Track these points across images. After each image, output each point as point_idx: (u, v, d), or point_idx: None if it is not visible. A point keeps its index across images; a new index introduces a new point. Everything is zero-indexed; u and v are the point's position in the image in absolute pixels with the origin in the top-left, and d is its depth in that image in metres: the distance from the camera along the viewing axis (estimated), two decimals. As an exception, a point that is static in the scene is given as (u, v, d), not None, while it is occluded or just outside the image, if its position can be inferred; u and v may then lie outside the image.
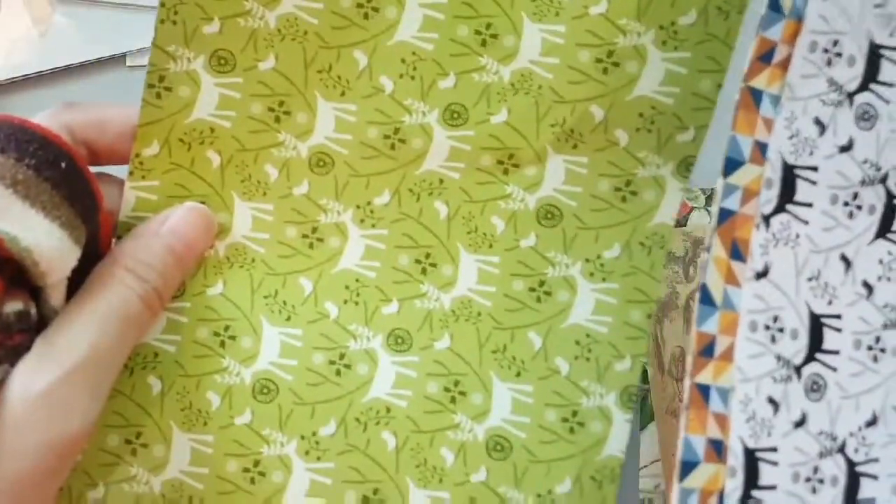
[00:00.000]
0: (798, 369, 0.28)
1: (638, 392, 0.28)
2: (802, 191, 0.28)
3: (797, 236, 0.28)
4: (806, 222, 0.28)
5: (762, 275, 0.27)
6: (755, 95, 0.27)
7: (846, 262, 0.28)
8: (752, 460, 0.27)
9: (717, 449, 0.27)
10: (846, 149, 0.28)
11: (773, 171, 0.27)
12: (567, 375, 0.29)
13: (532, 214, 0.29)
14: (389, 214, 0.30)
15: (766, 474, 0.27)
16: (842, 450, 0.28)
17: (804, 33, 0.27)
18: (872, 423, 0.29)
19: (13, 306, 0.24)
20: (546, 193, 0.29)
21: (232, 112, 0.29)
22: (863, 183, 0.28)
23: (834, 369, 0.28)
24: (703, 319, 0.27)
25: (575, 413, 0.29)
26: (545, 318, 0.29)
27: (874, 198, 0.29)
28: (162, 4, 0.28)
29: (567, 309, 0.30)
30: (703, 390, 0.27)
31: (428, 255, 0.30)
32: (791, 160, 0.27)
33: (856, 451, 0.28)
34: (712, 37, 0.28)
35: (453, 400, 0.29)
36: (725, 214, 0.27)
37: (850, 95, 0.28)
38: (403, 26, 0.29)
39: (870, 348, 0.29)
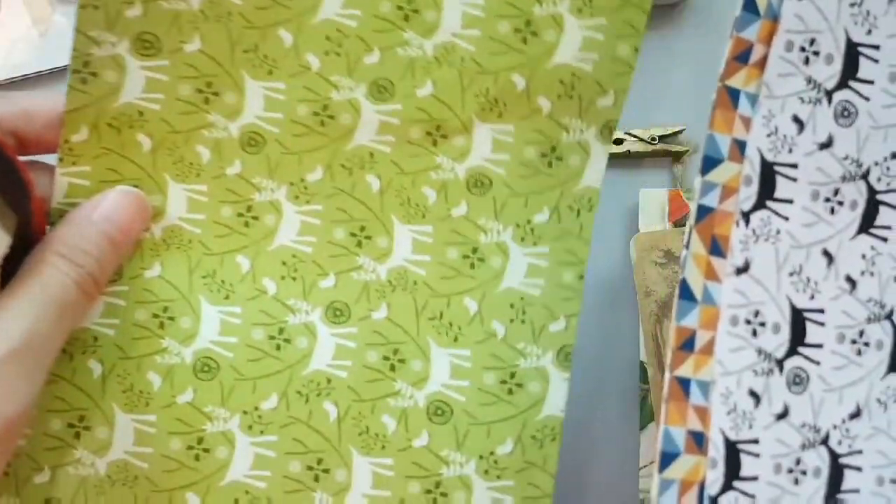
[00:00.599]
0: (780, 362, 0.28)
1: (571, 352, 0.29)
2: (782, 187, 0.28)
3: (777, 232, 0.28)
4: (786, 218, 0.28)
5: (742, 270, 0.28)
6: (732, 94, 0.28)
7: (828, 257, 0.29)
8: (733, 452, 0.28)
9: (698, 441, 0.27)
10: (826, 146, 0.29)
11: (751, 169, 0.28)
12: (503, 338, 0.30)
13: (462, 183, 0.30)
14: (323, 190, 0.30)
15: (748, 465, 0.28)
16: (825, 442, 0.29)
17: (780, 33, 0.28)
18: (856, 415, 0.29)
19: None
20: (475, 163, 0.30)
21: (160, 95, 0.29)
22: (844, 179, 0.29)
23: (817, 363, 0.29)
24: (682, 314, 0.27)
25: (513, 375, 0.30)
26: (479, 284, 0.30)
27: (856, 193, 0.29)
28: None
29: (500, 274, 0.30)
30: (684, 383, 0.27)
31: (363, 228, 0.30)
32: (770, 157, 0.28)
33: (839, 443, 0.29)
34: (628, 2, 0.29)
35: (393, 368, 0.30)
36: (704, 211, 0.28)
37: (829, 93, 0.28)
38: (326, 4, 0.29)
39: (853, 342, 0.29)
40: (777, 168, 0.28)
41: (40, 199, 0.28)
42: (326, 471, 0.30)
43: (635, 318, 0.38)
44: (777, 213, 0.28)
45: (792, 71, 0.28)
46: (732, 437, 0.27)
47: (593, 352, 0.39)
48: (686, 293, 0.27)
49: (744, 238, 0.28)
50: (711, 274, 0.27)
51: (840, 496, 0.28)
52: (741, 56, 0.28)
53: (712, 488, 0.27)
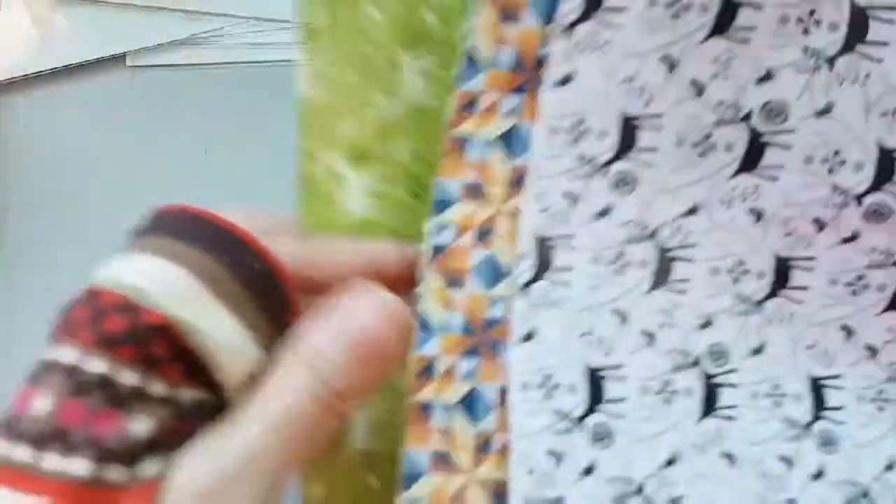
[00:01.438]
0: (580, 421, 0.30)
1: None
2: (560, 257, 0.31)
3: (561, 298, 0.31)
4: (568, 284, 0.31)
5: (528, 338, 0.30)
6: (461, 143, 0.30)
7: (620, 315, 0.31)
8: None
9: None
10: (604, 213, 0.31)
11: (525, 246, 0.30)
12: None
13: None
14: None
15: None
16: (640, 492, 0.30)
17: (541, 120, 0.30)
18: (672, 462, 0.31)
19: (191, 394, 0.25)
20: None
21: None
22: (628, 241, 0.31)
23: (621, 416, 0.31)
24: (422, 343, 0.30)
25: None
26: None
27: (644, 253, 0.31)
28: None
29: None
30: (425, 408, 0.30)
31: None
32: (545, 232, 0.30)
33: (658, 490, 0.31)
34: None
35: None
36: (439, 249, 0.31)
37: (605, 166, 0.31)
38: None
39: (658, 392, 0.31)
40: (552, 241, 0.30)
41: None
42: None
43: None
44: (558, 282, 0.30)
45: (559, 152, 0.30)
46: (535, 496, 0.30)
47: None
48: (424, 325, 0.30)
49: (525, 309, 0.30)
50: (451, 304, 0.30)
51: None
52: (468, 105, 0.30)
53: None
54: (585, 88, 0.30)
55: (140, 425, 0.24)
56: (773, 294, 0.32)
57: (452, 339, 0.30)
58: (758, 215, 0.31)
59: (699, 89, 0.31)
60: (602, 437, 0.30)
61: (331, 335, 0.26)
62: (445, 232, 0.30)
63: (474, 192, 0.30)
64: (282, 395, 0.25)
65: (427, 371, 0.30)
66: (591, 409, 0.30)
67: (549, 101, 0.30)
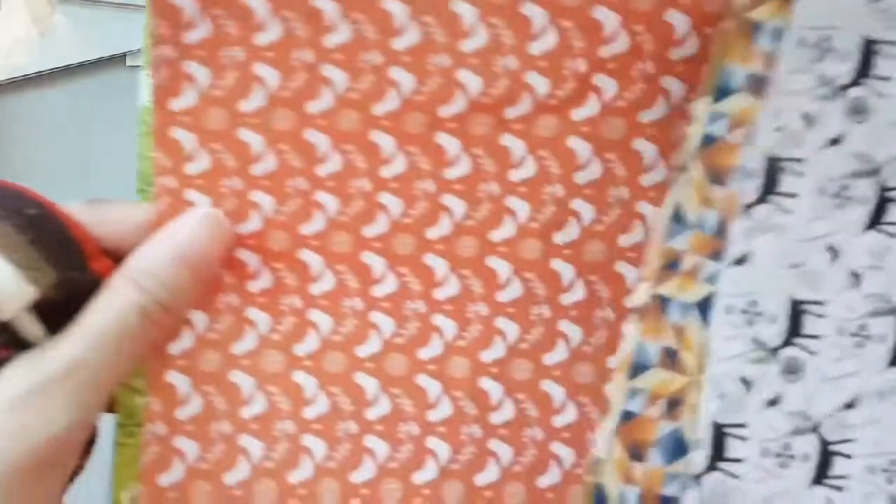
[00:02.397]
0: (775, 351, 0.29)
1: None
2: (787, 182, 0.29)
3: (781, 225, 0.29)
4: (791, 212, 0.29)
5: (742, 261, 0.29)
6: (753, 26, 0.28)
7: (833, 251, 0.29)
8: (720, 434, 0.29)
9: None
10: (836, 142, 0.29)
11: (756, 162, 0.29)
12: None
13: None
14: None
15: (734, 448, 0.29)
16: (816, 429, 0.30)
17: (792, 28, 0.28)
18: (851, 405, 0.30)
19: None
20: None
21: None
22: (854, 175, 0.29)
23: (813, 353, 0.30)
24: (672, 236, 0.29)
25: None
26: None
27: (866, 189, 0.29)
28: None
29: None
30: (664, 301, 0.29)
31: None
32: (776, 152, 0.29)
33: (831, 430, 0.30)
34: None
35: None
36: (709, 139, 0.29)
37: (842, 89, 0.29)
38: None
39: (854, 335, 0.30)
40: (782, 163, 0.29)
41: (104, 261, 0.28)
42: None
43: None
44: (781, 207, 0.29)
45: (804, 67, 0.28)
46: (720, 420, 0.29)
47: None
48: (679, 216, 0.29)
49: (745, 229, 0.29)
50: (708, 201, 0.29)
51: (827, 481, 0.30)
52: (671, 265, 0.29)
53: (696, 468, 0.29)
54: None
55: None
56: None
57: (703, 238, 0.29)
58: None
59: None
60: (793, 370, 0.29)
61: (155, 251, 0.28)
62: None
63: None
64: (105, 312, 0.27)
65: (673, 264, 0.29)
66: (786, 342, 0.29)
67: (801, 8, 0.28)
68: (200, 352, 0.30)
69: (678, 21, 0.30)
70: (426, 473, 0.31)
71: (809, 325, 0.30)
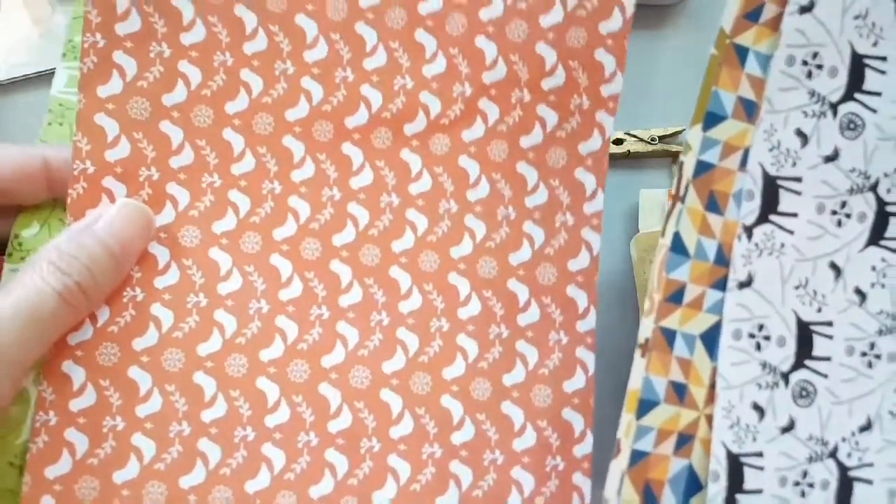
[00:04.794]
0: (785, 376, 0.28)
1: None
2: (786, 201, 0.28)
3: (782, 245, 0.28)
4: (791, 232, 0.28)
5: (746, 284, 0.28)
6: (740, 52, 0.28)
7: (836, 269, 0.29)
8: (736, 465, 0.28)
9: (679, 392, 0.28)
10: (831, 158, 0.29)
11: (753, 183, 0.28)
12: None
13: None
14: None
15: (752, 479, 0.28)
16: (833, 455, 0.29)
17: (781, 48, 0.28)
18: (867, 427, 0.29)
19: None
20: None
21: None
22: (851, 191, 0.29)
23: (825, 375, 0.29)
24: (673, 267, 0.28)
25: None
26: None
27: (864, 205, 0.29)
28: None
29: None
30: (668, 335, 0.28)
31: None
32: (773, 171, 0.28)
33: (849, 455, 0.29)
34: None
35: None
36: (704, 167, 0.28)
37: (834, 106, 0.28)
38: None
39: (864, 354, 0.29)
40: (780, 182, 0.28)
41: None
42: None
43: (636, 317, 0.38)
44: (781, 227, 0.28)
45: (794, 85, 0.28)
46: (735, 450, 0.28)
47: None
48: (678, 246, 0.28)
49: (746, 252, 0.28)
50: (706, 230, 0.28)
51: None
52: (751, 14, 0.28)
53: (715, 500, 0.27)
54: (822, 18, 0.29)
55: None
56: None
57: (704, 267, 0.29)
58: None
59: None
60: (805, 394, 0.28)
61: (80, 236, 0.27)
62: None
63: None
64: (22, 292, 0.26)
65: (676, 296, 0.28)
66: (797, 365, 0.28)
67: (789, 27, 0.28)
68: (99, 344, 0.29)
69: (547, 53, 0.31)
70: (323, 488, 0.30)
71: (819, 346, 0.29)
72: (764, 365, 0.28)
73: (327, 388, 0.30)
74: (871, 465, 0.29)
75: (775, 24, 0.28)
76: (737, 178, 0.28)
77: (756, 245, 0.28)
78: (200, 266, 0.30)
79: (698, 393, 0.28)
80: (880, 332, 0.29)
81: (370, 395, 0.30)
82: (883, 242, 0.29)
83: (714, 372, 0.28)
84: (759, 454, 0.28)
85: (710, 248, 0.28)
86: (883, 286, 0.29)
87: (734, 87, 0.28)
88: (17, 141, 0.39)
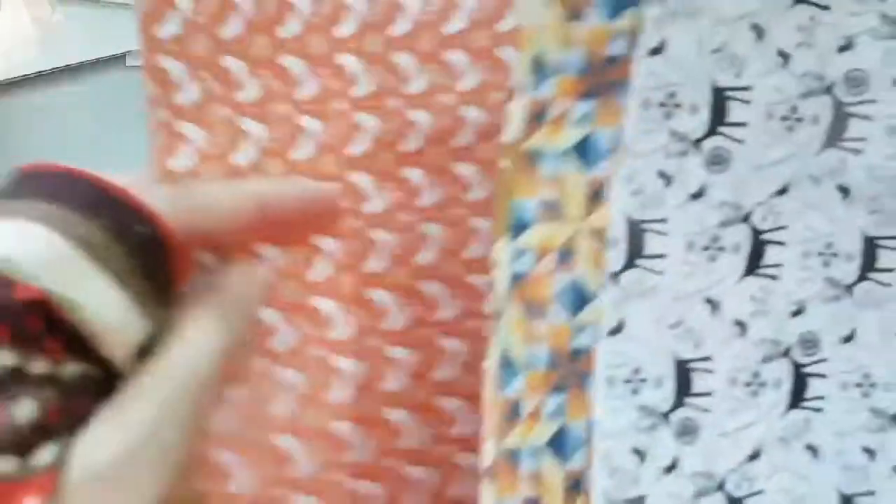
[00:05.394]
0: (665, 416, 0.29)
1: None
2: (653, 243, 0.28)
3: (653, 287, 0.28)
4: (660, 273, 0.28)
5: (616, 331, 0.28)
6: (533, 157, 0.28)
7: (712, 304, 0.29)
8: None
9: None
10: (698, 196, 0.28)
11: (617, 230, 0.28)
12: None
13: None
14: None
15: None
16: (721, 487, 0.29)
17: (634, 92, 0.27)
18: (755, 456, 0.29)
19: (75, 368, 0.22)
20: None
21: None
22: (722, 225, 0.29)
23: (707, 410, 0.29)
24: (506, 383, 0.28)
25: None
26: None
27: (738, 236, 0.29)
28: None
29: None
30: (514, 455, 0.28)
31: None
32: (637, 216, 0.28)
33: (737, 486, 0.29)
34: None
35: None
36: (518, 277, 0.28)
37: (697, 142, 0.28)
38: None
39: (748, 384, 0.29)
40: (645, 225, 0.28)
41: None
42: None
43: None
44: (650, 270, 0.28)
45: (652, 127, 0.28)
46: (616, 496, 0.28)
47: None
48: (507, 363, 0.28)
49: (615, 299, 0.28)
50: (532, 339, 0.28)
51: None
52: (538, 116, 0.27)
53: None
54: (677, 58, 0.28)
55: (23, 409, 0.21)
56: (862, 277, 0.30)
57: (537, 376, 0.28)
58: (844, 192, 0.29)
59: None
60: (687, 431, 0.29)
61: (242, 286, 0.26)
62: (524, 258, 0.27)
63: (552, 210, 0.27)
64: (188, 359, 0.23)
65: (513, 413, 0.28)
66: (677, 404, 0.29)
67: (643, 71, 0.27)
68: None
69: (403, 60, 0.32)
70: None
71: (699, 382, 0.29)
72: (642, 408, 0.28)
73: None
74: (760, 492, 0.29)
75: (562, 119, 0.27)
76: (554, 279, 0.28)
77: (625, 290, 0.28)
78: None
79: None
80: (764, 360, 0.29)
81: None
82: (760, 271, 0.29)
83: (568, 475, 0.28)
84: (642, 498, 0.28)
85: (541, 353, 0.28)
86: (764, 314, 0.29)
87: (533, 192, 0.27)
88: (18, 141, 0.39)
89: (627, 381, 0.28)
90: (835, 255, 0.30)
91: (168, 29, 0.31)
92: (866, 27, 0.29)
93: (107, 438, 0.22)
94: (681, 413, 0.29)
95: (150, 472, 0.22)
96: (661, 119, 0.28)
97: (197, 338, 0.24)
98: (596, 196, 0.28)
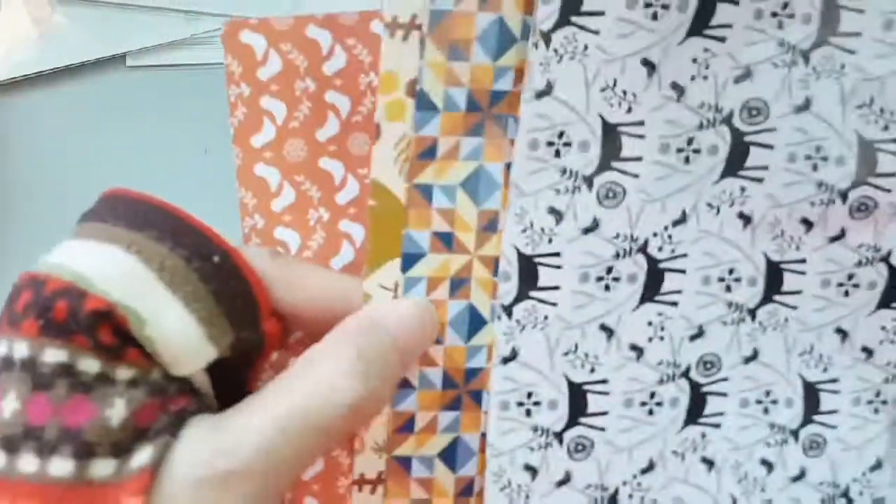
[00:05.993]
0: (559, 435, 0.30)
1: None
2: (546, 276, 0.29)
3: (545, 318, 0.30)
4: (554, 304, 0.30)
5: (509, 359, 0.30)
6: (424, 191, 0.28)
7: (608, 331, 0.30)
8: None
9: (446, 241, 0.29)
10: (591, 229, 0.29)
11: (508, 264, 0.29)
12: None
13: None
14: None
15: None
16: (614, 498, 0.31)
17: (521, 134, 0.28)
18: (649, 469, 0.31)
19: (161, 372, 0.23)
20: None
21: None
22: (616, 256, 0.29)
23: (602, 429, 0.31)
24: (401, 400, 0.30)
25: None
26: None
27: (633, 267, 0.30)
28: None
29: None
30: (404, 462, 0.30)
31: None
32: (528, 251, 0.29)
33: (630, 496, 0.31)
34: None
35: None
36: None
37: (588, 178, 0.29)
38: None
39: (643, 404, 0.31)
40: (537, 259, 0.29)
41: (274, 324, 0.25)
42: None
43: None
44: (543, 301, 0.29)
45: (541, 167, 0.28)
46: (507, 507, 0.30)
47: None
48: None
49: (507, 330, 0.30)
50: (429, 362, 0.29)
51: None
52: (426, 153, 0.28)
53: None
54: (564, 98, 0.28)
55: (114, 409, 0.22)
56: (766, 300, 0.31)
57: (432, 395, 0.30)
58: (746, 220, 0.30)
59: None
60: (581, 448, 0.30)
61: (376, 335, 0.25)
62: (417, 287, 0.29)
63: (445, 241, 0.29)
64: (314, 396, 0.22)
65: (407, 427, 0.30)
66: (571, 423, 0.30)
67: (528, 113, 0.28)
68: None
69: (320, 36, 0.31)
70: None
71: (593, 403, 0.30)
72: (535, 429, 0.30)
73: None
74: (654, 501, 0.31)
75: (454, 153, 0.28)
76: (448, 306, 0.29)
77: (518, 322, 0.29)
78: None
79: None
80: (661, 381, 0.30)
81: None
82: (658, 298, 0.30)
83: (458, 481, 0.30)
84: (534, 511, 0.30)
85: (435, 377, 0.29)
86: (661, 339, 0.30)
87: (425, 225, 0.28)
88: (18, 141, 0.42)
89: (520, 404, 0.30)
90: (737, 279, 0.30)
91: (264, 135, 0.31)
92: (765, 56, 0.28)
93: (213, 447, 0.22)
94: (575, 431, 0.30)
95: (244, 497, 0.21)
96: (551, 157, 0.28)
97: (319, 384, 0.23)
98: (488, 227, 0.29)
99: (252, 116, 0.31)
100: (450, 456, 0.30)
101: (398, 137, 0.27)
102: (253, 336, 0.25)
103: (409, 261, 0.28)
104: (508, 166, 0.28)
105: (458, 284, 0.29)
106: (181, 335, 0.23)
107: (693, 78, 0.28)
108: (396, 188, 0.28)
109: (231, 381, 0.25)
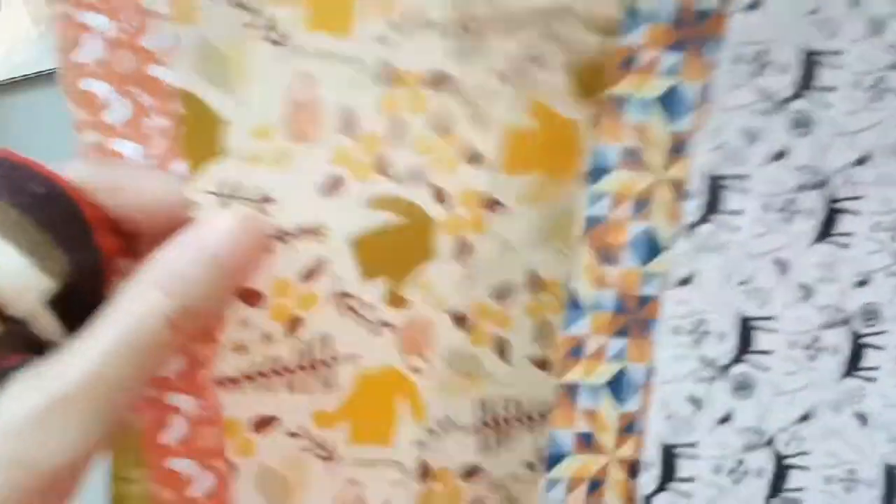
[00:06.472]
0: (724, 369, 0.29)
1: None
2: (731, 199, 0.29)
3: (726, 243, 0.29)
4: (735, 229, 0.29)
5: (686, 281, 0.29)
6: (619, 102, 0.28)
7: (781, 265, 0.29)
8: (669, 456, 0.29)
9: (587, 441, 0.29)
10: (780, 156, 0.29)
11: (696, 182, 0.28)
12: None
13: None
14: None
15: (686, 467, 0.29)
16: (770, 443, 0.30)
17: (728, 46, 0.28)
18: (806, 418, 0.30)
19: None
20: None
21: None
22: (800, 188, 0.29)
23: (766, 369, 0.30)
24: (571, 322, 0.29)
25: None
26: None
27: (814, 202, 0.29)
28: None
29: None
30: (572, 389, 0.29)
31: None
32: (717, 171, 0.28)
33: (786, 444, 0.30)
34: None
35: None
36: (593, 221, 0.28)
37: (784, 102, 0.28)
38: None
39: (807, 348, 0.30)
40: (725, 181, 0.28)
41: (112, 238, 0.25)
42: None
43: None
44: (725, 225, 0.29)
45: (741, 83, 0.28)
46: (670, 441, 0.29)
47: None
48: (574, 303, 0.29)
49: (688, 250, 0.29)
50: (601, 283, 0.28)
51: (784, 494, 0.30)
52: (625, 62, 0.28)
53: (646, 489, 0.29)
54: (772, 15, 0.28)
55: None
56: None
57: (603, 318, 0.29)
58: None
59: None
60: (743, 387, 0.29)
61: (183, 251, 0.25)
62: (601, 202, 0.28)
63: (633, 158, 0.28)
64: (127, 317, 0.23)
65: (576, 352, 0.29)
66: (737, 359, 0.29)
67: (737, 26, 0.28)
68: None
69: (98, 88, 0.30)
70: None
71: (760, 340, 0.29)
72: (702, 359, 0.29)
73: None
74: (808, 453, 0.30)
75: (650, 68, 0.28)
76: (628, 227, 0.28)
77: (699, 243, 0.28)
78: None
79: (605, 440, 0.29)
80: (825, 326, 0.30)
81: None
82: (831, 238, 0.29)
83: (622, 416, 0.29)
84: (693, 444, 0.29)
85: (609, 297, 0.28)
86: (830, 281, 0.30)
87: (616, 138, 0.28)
88: (18, 141, 0.40)
89: (690, 332, 0.29)
90: None
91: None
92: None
93: (39, 387, 0.22)
94: (740, 368, 0.29)
95: (78, 423, 0.22)
96: (750, 75, 0.28)
97: (131, 305, 0.24)
98: (677, 149, 0.28)
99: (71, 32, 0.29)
100: (616, 387, 0.29)
101: None
102: (89, 255, 0.24)
103: (596, 175, 0.28)
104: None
105: (642, 205, 0.28)
106: (4, 269, 0.23)
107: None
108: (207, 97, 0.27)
109: (91, 311, 0.24)
